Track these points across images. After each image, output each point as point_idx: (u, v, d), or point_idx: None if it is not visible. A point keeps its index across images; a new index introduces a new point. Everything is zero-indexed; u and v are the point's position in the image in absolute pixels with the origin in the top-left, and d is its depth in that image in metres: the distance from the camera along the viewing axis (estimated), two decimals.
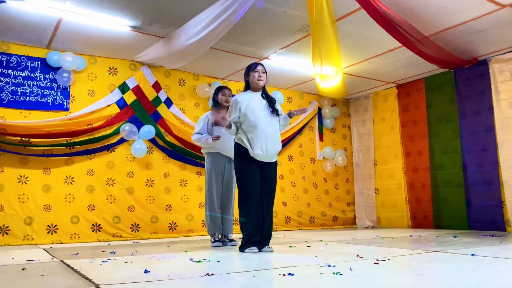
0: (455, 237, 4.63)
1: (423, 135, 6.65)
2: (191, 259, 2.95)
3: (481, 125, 5.83)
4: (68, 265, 2.70)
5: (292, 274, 2.19)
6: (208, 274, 2.25)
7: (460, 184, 6.03)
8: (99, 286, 1.96)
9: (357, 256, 2.96)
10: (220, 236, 4.24)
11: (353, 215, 7.57)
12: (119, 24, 4.63)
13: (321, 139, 7.56)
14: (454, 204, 6.10)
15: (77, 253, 3.51)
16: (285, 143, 7.07)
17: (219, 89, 4.35)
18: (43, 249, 4.06)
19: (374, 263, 2.59)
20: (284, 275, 2.18)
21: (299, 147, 7.30)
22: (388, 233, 5.61)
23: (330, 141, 7.61)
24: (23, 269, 2.58)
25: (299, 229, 6.81)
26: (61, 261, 2.97)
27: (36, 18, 4.44)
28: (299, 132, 7.30)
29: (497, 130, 5.62)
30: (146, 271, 2.38)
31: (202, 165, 6.08)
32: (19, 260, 3.09)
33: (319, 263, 2.61)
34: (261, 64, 3.73)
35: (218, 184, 4.20)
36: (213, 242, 4.14)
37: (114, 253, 3.53)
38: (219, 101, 4.30)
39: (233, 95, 4.12)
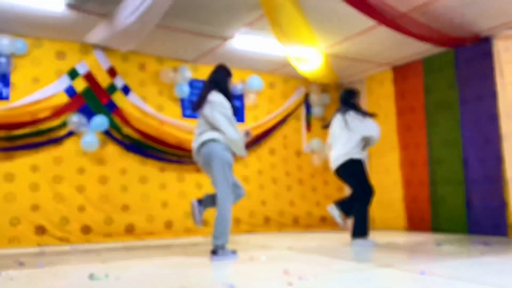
0: (439, 245, 4.29)
1: (420, 125, 6.25)
2: (91, 274, 2.74)
3: (484, 113, 5.41)
4: None
5: None
6: None
7: (460, 181, 5.64)
8: None
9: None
10: None
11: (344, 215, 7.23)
12: (52, 1, 4.41)
13: (309, 129, 7.23)
14: (453, 205, 5.72)
15: None
16: (266, 134, 6.78)
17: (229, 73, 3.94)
18: None
19: None
20: None
21: (283, 139, 6.99)
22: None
23: (319, 132, 7.26)
24: None
25: (279, 231, 6.54)
26: None
27: None
28: (283, 121, 6.99)
29: (502, 119, 5.19)
30: None
31: (167, 160, 5.89)
32: None
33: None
34: None
35: None
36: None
37: (23, 263, 3.35)
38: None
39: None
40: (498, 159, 5.22)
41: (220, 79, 3.83)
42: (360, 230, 4.51)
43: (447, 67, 5.86)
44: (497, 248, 3.94)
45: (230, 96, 3.82)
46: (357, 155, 4.60)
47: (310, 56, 5.57)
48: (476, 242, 4.43)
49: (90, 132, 5.34)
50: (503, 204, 5.15)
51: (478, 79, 5.48)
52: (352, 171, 4.64)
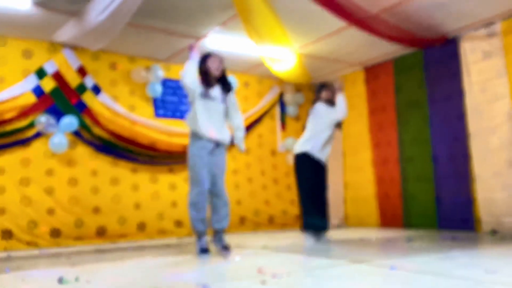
0: (409, 240, 4.43)
1: (392, 124, 6.42)
2: (60, 278, 2.72)
3: (452, 112, 5.61)
4: None
5: None
6: None
7: (429, 178, 5.83)
8: None
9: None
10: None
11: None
12: None
13: (283, 128, 7.32)
14: (424, 201, 5.90)
15: None
16: None
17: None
18: None
19: None
20: None
21: (258, 138, 7.06)
22: (338, 234, 5.42)
23: (293, 131, 7.36)
24: None
25: (255, 231, 6.60)
26: None
27: None
28: (258, 121, 7.05)
29: (469, 117, 5.39)
30: None
31: (139, 161, 5.86)
32: None
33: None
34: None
35: None
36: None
37: None
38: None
39: None
40: (465, 156, 5.41)
41: (201, 66, 3.97)
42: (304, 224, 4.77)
43: (416, 68, 6.04)
44: (464, 242, 4.10)
45: (210, 75, 3.92)
46: (303, 147, 4.85)
47: (283, 56, 5.64)
48: (445, 237, 4.59)
49: (59, 133, 5.25)
50: (470, 200, 5.35)
51: (446, 79, 5.67)
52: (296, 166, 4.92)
